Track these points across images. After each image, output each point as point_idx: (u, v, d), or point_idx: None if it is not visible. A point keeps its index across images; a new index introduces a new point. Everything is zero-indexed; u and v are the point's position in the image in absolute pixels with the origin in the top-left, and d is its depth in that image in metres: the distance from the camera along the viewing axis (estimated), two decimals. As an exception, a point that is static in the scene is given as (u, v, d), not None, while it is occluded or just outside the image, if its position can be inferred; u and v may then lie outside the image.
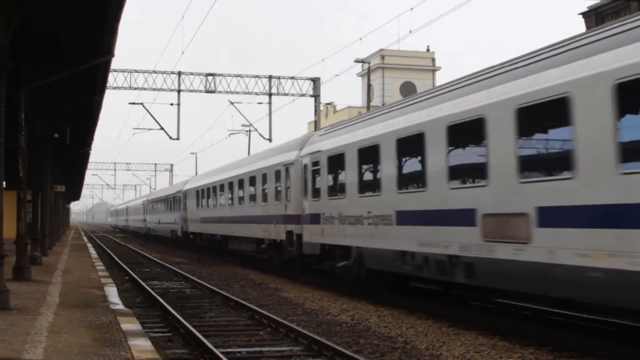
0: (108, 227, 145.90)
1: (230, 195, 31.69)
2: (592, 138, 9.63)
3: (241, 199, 29.48)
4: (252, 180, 27.47)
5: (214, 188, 35.51)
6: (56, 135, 23.66)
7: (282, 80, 41.15)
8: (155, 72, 39.70)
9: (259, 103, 41.89)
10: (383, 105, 29.63)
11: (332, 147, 18.60)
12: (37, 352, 9.07)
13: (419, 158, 14.22)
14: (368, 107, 44.73)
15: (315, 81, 41.34)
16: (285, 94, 40.96)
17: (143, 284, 20.87)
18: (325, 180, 19.19)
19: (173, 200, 48.83)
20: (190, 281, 23.10)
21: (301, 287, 20.89)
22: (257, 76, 40.89)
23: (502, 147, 11.49)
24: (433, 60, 73.77)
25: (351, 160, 17.27)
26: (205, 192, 37.78)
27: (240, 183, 29.58)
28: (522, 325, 12.50)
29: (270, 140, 41.12)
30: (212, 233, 36.08)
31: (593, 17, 35.58)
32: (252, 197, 27.44)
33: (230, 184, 31.61)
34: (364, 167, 16.86)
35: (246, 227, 28.07)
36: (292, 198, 22.00)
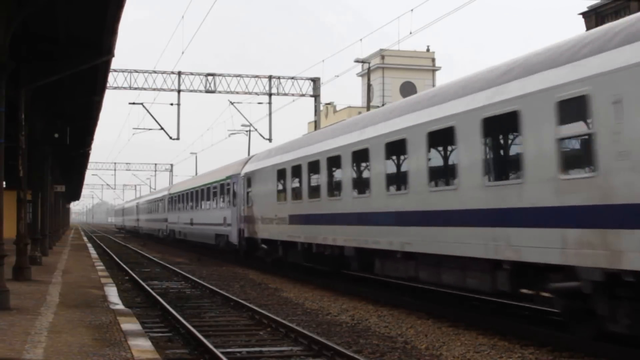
0: (108, 227, 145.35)
1: (389, 171, 15.98)
2: None
3: (435, 174, 14.01)
4: (490, 130, 12.21)
5: (332, 160, 19.03)
6: (56, 135, 23.66)
7: (282, 80, 41.19)
8: (155, 72, 39.77)
9: (259, 103, 41.94)
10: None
11: None
12: (37, 352, 9.07)
13: None
14: (368, 107, 44.70)
15: (315, 81, 41.37)
16: (285, 94, 41.00)
17: (143, 284, 20.87)
18: None
19: (220, 190, 33.79)
20: (190, 281, 23.10)
21: (301, 287, 20.87)
22: (257, 76, 40.93)
23: None
24: (433, 60, 73.76)
25: None
26: (304, 171, 21.15)
27: (434, 140, 13.98)
28: (522, 325, 12.49)
29: (270, 140, 41.17)
30: (321, 243, 19.96)
31: (593, 17, 35.56)
32: (491, 169, 12.26)
33: (391, 147, 15.67)
34: None
35: (462, 233, 12.81)
36: None
